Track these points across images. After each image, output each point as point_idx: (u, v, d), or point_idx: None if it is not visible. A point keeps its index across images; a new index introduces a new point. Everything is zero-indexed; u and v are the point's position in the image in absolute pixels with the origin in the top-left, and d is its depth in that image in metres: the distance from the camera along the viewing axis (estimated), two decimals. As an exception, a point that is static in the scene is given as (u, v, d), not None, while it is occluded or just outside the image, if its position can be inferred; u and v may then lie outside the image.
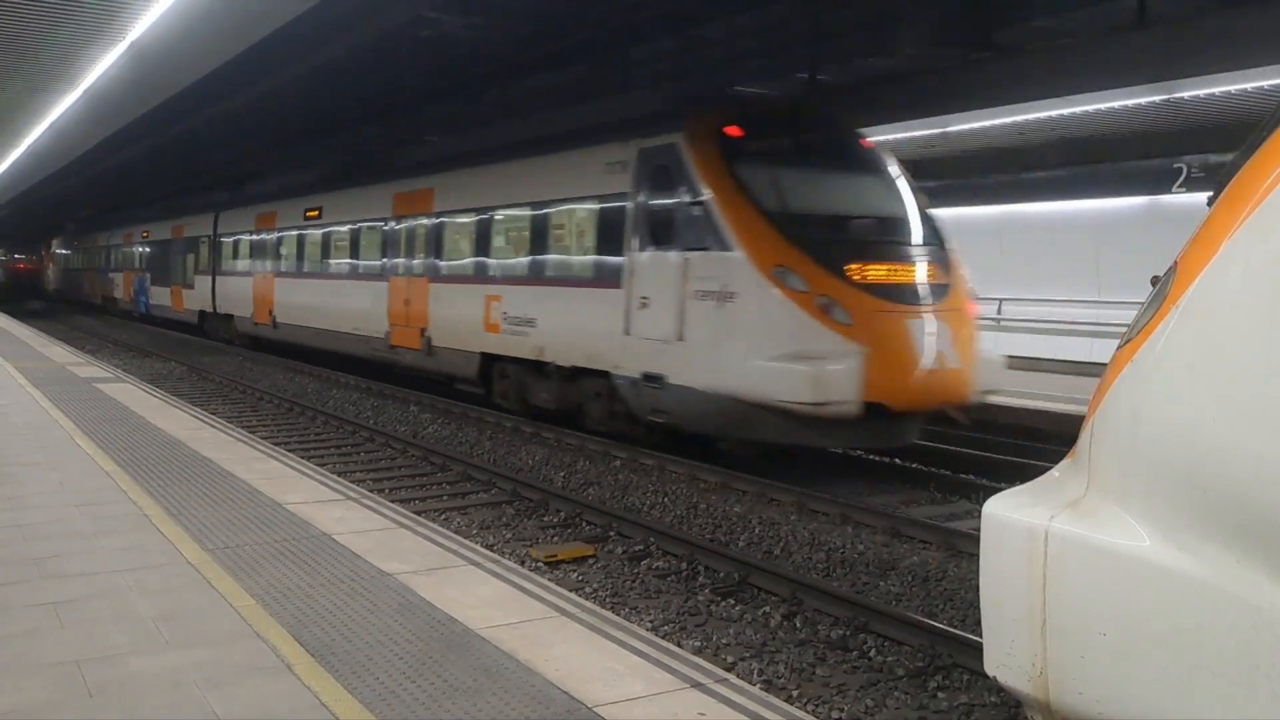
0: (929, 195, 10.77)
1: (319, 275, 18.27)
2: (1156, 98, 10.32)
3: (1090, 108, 10.80)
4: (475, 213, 13.48)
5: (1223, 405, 2.32)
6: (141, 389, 12.10)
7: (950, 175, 16.12)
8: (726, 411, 9.21)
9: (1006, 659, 2.77)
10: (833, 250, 9.05)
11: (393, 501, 7.22)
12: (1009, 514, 2.81)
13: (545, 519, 8.27)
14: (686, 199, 9.68)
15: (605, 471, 9.99)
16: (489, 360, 12.89)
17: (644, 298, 10.05)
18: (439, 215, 14.33)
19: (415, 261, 14.82)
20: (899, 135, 13.27)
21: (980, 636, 2.97)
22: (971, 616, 5.85)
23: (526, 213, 12.32)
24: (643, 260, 10.14)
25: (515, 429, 12.31)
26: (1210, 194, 2.79)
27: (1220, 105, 10.54)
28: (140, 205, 35.10)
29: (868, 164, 10.36)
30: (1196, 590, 2.33)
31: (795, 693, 4.93)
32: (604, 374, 10.67)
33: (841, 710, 4.76)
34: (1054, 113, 11.27)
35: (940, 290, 9.37)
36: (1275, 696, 2.19)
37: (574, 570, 6.87)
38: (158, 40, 10.90)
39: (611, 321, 10.41)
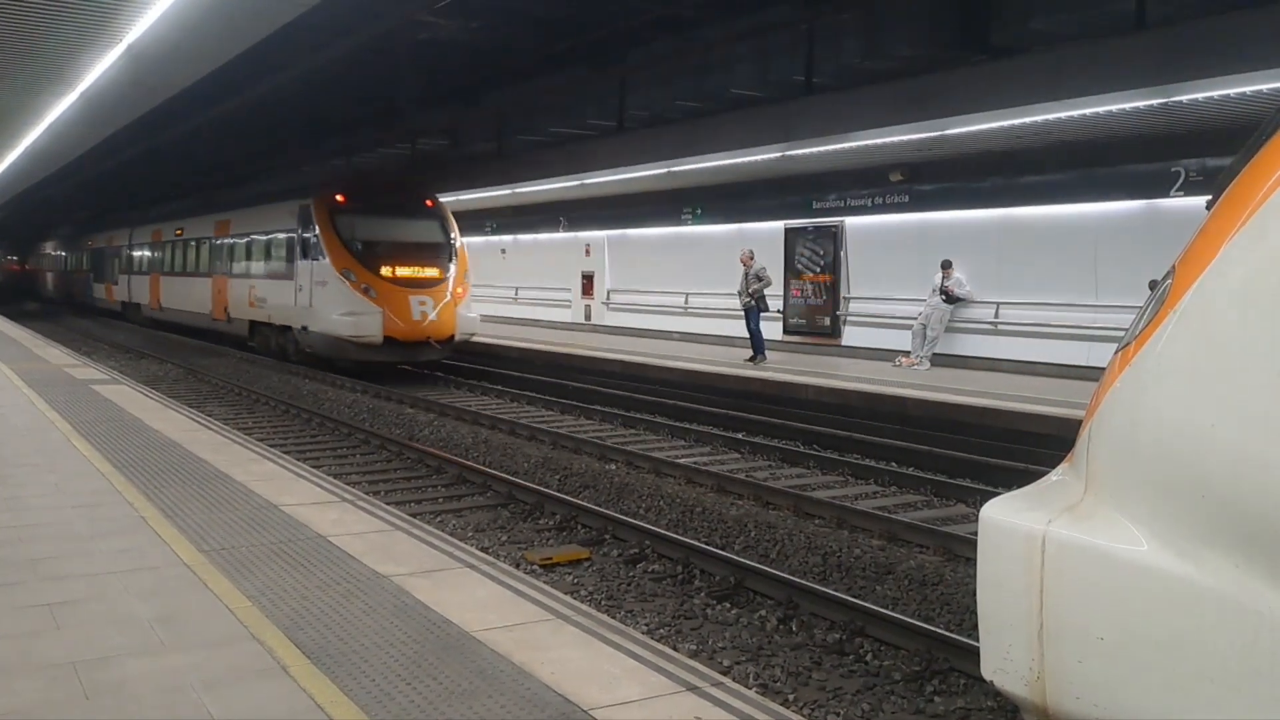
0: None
1: (181, 275, 26.53)
2: (1154, 101, 10.30)
3: (1088, 111, 10.78)
4: (245, 236, 22.05)
5: (1221, 409, 2.32)
6: (138, 391, 12.08)
7: (947, 179, 16.09)
8: (331, 344, 17.41)
9: (1004, 663, 2.76)
10: (373, 260, 17.52)
11: (388, 504, 7.21)
12: (1006, 518, 2.80)
13: (540, 522, 8.26)
14: (312, 234, 18.08)
15: (601, 474, 9.98)
16: (253, 325, 21.11)
17: (300, 285, 18.40)
18: (232, 237, 22.72)
19: (223, 265, 23.13)
20: (898, 138, 13.24)
21: (977, 641, 2.96)
22: (969, 621, 5.84)
23: (263, 237, 20.91)
24: (300, 265, 18.51)
25: (511, 431, 12.31)
26: (1209, 198, 2.79)
27: (1219, 109, 10.51)
28: (133, 209, 36.37)
29: (419, 213, 18.83)
30: (1195, 595, 2.33)
31: (791, 696, 4.92)
32: (289, 329, 18.96)
33: (837, 714, 4.75)
34: (1051, 116, 11.25)
35: (435, 281, 17.87)
36: (1274, 701, 2.18)
37: (569, 573, 6.85)
38: (155, 43, 10.88)
39: (291, 299, 18.76)
